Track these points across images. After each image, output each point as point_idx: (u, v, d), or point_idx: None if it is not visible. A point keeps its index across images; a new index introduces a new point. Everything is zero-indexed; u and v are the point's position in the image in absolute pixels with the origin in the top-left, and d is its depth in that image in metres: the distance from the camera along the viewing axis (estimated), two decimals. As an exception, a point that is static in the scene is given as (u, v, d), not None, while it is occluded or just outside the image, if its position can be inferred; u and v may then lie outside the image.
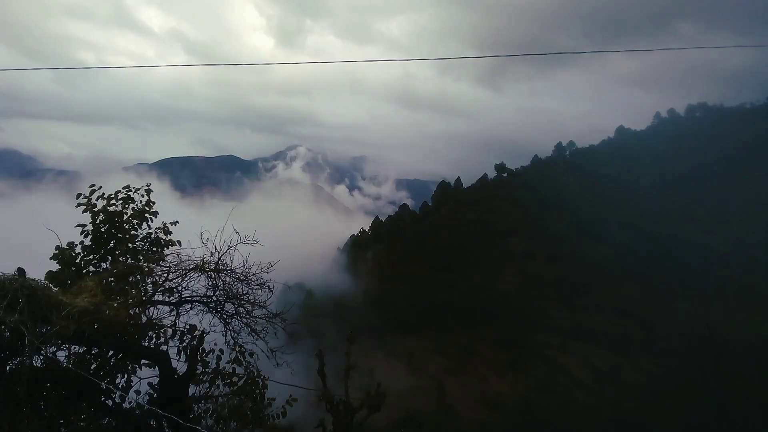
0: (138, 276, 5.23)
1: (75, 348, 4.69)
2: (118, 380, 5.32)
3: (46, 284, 4.63)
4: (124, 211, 5.98)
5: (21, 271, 4.27)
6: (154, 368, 5.26)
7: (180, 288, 5.30)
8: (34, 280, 4.30)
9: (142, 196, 6.17)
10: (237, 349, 5.75)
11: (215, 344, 5.82)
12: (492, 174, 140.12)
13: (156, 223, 6.20)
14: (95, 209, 5.79)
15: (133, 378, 5.46)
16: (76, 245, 5.62)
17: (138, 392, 5.35)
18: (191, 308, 5.41)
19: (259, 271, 5.45)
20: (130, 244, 5.90)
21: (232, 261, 5.38)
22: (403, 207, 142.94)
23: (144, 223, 6.12)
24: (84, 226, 5.74)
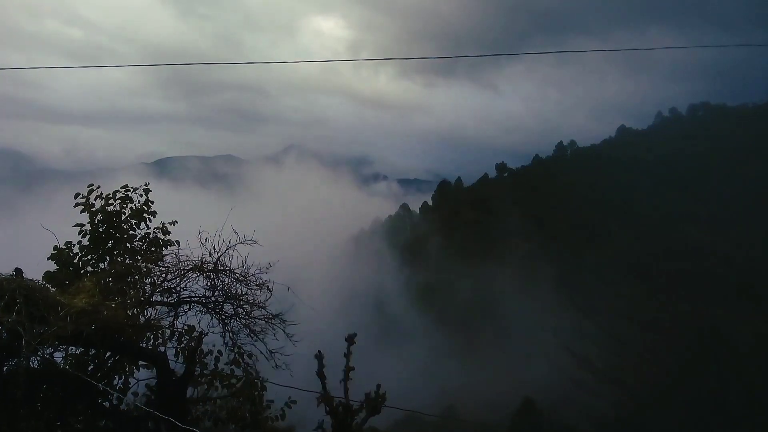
0: (136, 276, 5.20)
1: (72, 349, 4.67)
2: (115, 382, 5.31)
3: (44, 284, 4.60)
4: (123, 211, 5.96)
5: (18, 272, 4.25)
6: (151, 369, 5.25)
7: (178, 288, 5.26)
8: (31, 280, 4.28)
9: (141, 195, 6.15)
10: (235, 350, 5.70)
11: (213, 345, 5.79)
12: (492, 174, 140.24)
13: (154, 222, 6.17)
14: (93, 209, 5.77)
15: (130, 379, 5.45)
16: (74, 245, 5.60)
17: (135, 394, 5.34)
18: (189, 309, 5.37)
19: (258, 271, 5.41)
20: (128, 244, 5.87)
21: (230, 261, 5.35)
22: (404, 207, 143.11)
23: (142, 223, 6.09)
24: (82, 226, 5.71)
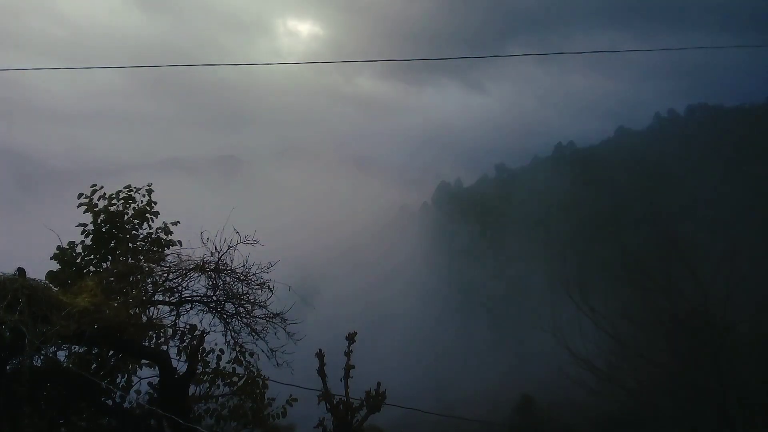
0: (138, 276, 5.21)
1: (75, 348, 4.69)
2: (118, 380, 5.33)
3: (47, 284, 4.62)
4: (125, 211, 5.98)
5: (21, 271, 4.26)
6: (154, 368, 5.26)
7: (180, 288, 5.28)
8: (34, 279, 4.30)
9: (143, 196, 6.17)
10: (237, 349, 5.74)
11: (215, 344, 5.83)
12: (491, 174, 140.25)
13: (157, 222, 6.20)
14: (96, 209, 5.79)
15: (133, 378, 5.47)
16: (77, 245, 5.62)
17: (138, 392, 5.36)
18: (191, 308, 5.40)
19: (259, 270, 5.44)
20: (130, 244, 5.89)
21: (232, 261, 5.37)
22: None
23: (145, 223, 6.12)
24: (85, 225, 5.74)
